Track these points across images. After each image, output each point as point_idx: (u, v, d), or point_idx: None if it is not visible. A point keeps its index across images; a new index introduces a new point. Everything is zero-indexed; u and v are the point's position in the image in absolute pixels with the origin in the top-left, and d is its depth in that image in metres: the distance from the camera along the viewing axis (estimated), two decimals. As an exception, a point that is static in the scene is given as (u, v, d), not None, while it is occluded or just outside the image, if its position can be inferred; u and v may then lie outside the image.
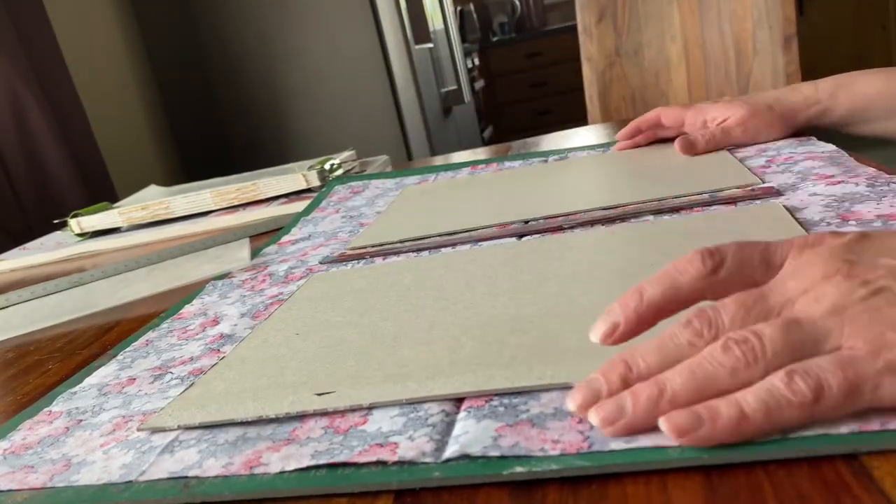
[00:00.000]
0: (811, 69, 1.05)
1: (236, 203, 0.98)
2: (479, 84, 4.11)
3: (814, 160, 0.62)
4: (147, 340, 0.52)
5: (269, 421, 0.36)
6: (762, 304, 0.30)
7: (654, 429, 0.28)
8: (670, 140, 0.77)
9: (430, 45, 2.67)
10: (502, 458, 0.29)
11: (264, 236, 0.80)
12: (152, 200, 1.01)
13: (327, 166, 1.00)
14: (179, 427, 0.37)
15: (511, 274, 0.49)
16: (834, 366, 0.26)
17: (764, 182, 0.58)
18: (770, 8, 1.18)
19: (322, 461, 0.31)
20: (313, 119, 2.31)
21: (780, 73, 1.18)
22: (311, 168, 0.98)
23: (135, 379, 0.46)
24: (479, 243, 0.58)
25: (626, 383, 0.29)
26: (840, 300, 0.28)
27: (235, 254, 0.72)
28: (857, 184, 0.52)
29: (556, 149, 0.91)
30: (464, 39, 4.02)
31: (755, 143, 0.72)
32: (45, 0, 1.84)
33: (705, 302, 0.31)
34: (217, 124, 2.35)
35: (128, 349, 0.51)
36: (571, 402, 0.30)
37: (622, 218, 0.56)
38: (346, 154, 1.10)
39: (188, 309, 0.58)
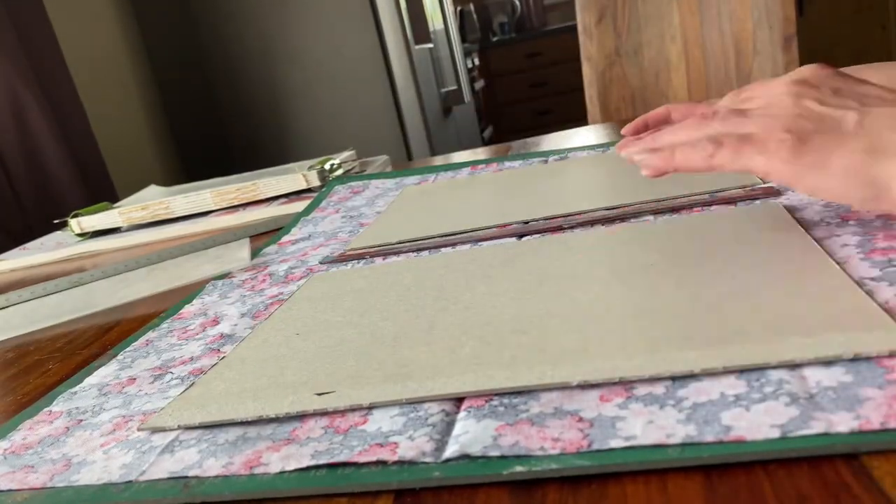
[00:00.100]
0: (811, 69, 1.05)
1: (236, 203, 0.98)
2: (479, 84, 4.11)
3: (814, 160, 0.62)
4: (147, 340, 0.52)
5: (269, 421, 0.36)
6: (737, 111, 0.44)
7: (654, 429, 0.28)
8: None
9: (430, 45, 2.67)
10: (502, 457, 0.29)
11: (264, 236, 0.80)
12: (152, 200, 1.01)
13: (327, 166, 1.00)
14: (179, 427, 0.37)
15: (511, 274, 0.49)
16: (734, 136, 0.41)
17: (763, 182, 0.58)
18: (770, 8, 1.18)
19: (322, 461, 0.31)
20: (313, 119, 2.31)
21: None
22: (311, 168, 0.98)
23: (135, 379, 0.46)
24: (479, 243, 0.58)
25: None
26: (776, 99, 0.42)
27: (235, 254, 0.72)
28: (856, 184, 0.52)
29: (556, 149, 0.91)
30: (464, 39, 4.03)
31: None
32: (45, 0, 1.84)
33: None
34: (217, 124, 2.35)
35: (128, 349, 0.52)
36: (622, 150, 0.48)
37: (622, 218, 0.56)
38: (346, 154, 1.10)
39: (188, 309, 0.58)
